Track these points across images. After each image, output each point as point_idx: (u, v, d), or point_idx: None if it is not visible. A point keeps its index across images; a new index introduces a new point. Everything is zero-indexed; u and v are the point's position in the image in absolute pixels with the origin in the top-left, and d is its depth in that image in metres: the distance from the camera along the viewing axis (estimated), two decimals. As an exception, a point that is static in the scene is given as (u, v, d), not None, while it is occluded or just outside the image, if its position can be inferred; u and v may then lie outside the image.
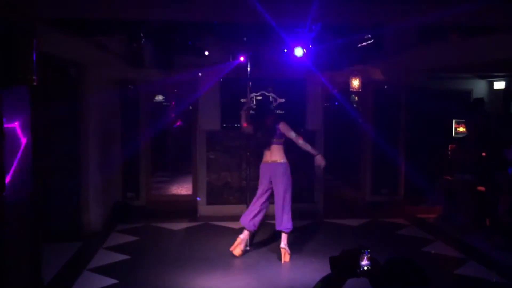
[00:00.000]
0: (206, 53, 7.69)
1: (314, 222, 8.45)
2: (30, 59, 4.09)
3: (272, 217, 7.16)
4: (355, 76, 9.06)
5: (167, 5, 4.81)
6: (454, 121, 10.20)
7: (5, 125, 4.22)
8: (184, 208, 9.03)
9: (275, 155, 6.50)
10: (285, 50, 7.31)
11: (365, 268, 1.91)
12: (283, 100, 8.97)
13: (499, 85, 10.38)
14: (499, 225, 7.12)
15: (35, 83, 4.10)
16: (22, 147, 4.62)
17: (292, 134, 6.47)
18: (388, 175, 9.64)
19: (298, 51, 6.95)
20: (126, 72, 8.39)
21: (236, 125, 8.24)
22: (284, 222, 6.46)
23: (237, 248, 6.58)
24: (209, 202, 8.96)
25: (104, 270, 6.06)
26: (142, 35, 6.78)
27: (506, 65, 7.67)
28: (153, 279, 5.82)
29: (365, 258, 1.93)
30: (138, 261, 6.45)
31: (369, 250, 1.94)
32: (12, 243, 4.43)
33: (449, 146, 9.02)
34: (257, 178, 6.85)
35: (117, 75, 8.58)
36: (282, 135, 6.50)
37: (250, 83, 7.22)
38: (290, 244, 6.48)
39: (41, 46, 4.26)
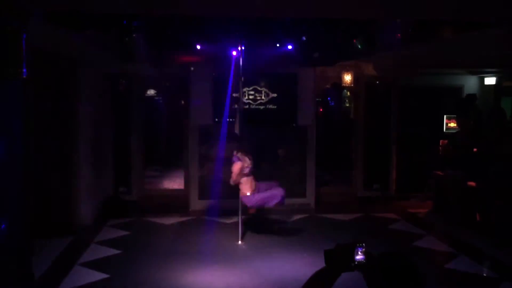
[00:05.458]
0: (198, 47, 7.66)
1: (306, 217, 8.46)
2: (20, 53, 4.06)
3: (266, 211, 7.20)
4: (347, 71, 9.06)
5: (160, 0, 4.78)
6: (445, 116, 10.25)
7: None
8: (176, 203, 9.00)
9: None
10: (278, 45, 7.30)
11: (359, 262, 1.92)
12: (275, 95, 8.95)
13: (490, 81, 10.43)
14: (493, 223, 7.08)
15: (24, 76, 4.08)
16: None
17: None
18: (380, 170, 9.66)
19: (289, 45, 6.97)
20: (118, 67, 8.33)
21: (230, 119, 8.23)
22: None
23: None
24: (201, 197, 8.94)
25: (96, 265, 6.04)
26: (134, 29, 6.73)
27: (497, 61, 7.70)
28: (145, 273, 5.81)
29: (360, 252, 1.93)
30: (129, 256, 6.43)
31: (364, 245, 1.94)
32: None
33: (440, 141, 9.06)
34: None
35: (109, 70, 8.53)
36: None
37: (243, 78, 7.19)
38: (282, 238, 6.44)
39: (32, 41, 4.22)
